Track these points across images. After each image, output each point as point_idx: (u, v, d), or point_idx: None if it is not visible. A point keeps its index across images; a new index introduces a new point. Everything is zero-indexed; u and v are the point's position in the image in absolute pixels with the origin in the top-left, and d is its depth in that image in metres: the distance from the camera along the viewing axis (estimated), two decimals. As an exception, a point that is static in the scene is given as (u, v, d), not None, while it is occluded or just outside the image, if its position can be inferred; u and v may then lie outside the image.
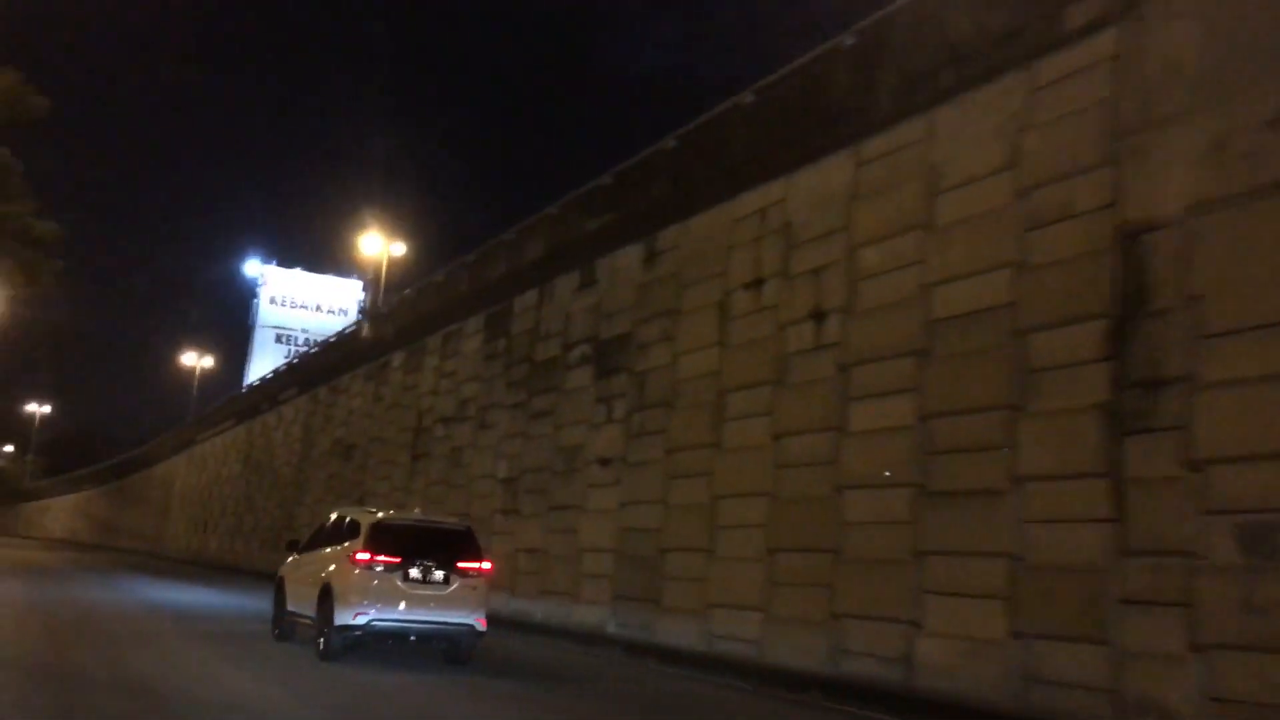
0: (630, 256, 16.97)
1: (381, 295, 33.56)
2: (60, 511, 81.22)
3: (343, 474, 28.58)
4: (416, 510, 18.74)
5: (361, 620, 11.04)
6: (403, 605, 11.19)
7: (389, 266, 37.56)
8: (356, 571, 11.24)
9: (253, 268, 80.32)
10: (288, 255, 79.96)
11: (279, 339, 75.88)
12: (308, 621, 12.06)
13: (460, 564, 11.53)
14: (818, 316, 12.60)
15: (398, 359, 26.38)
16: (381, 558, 11.21)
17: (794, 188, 13.49)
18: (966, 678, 9.67)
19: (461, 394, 22.35)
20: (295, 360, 37.25)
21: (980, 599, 9.71)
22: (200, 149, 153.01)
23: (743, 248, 14.28)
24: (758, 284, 13.82)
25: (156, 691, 8.51)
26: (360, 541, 11.46)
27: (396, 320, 27.00)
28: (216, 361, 64.16)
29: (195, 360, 62.80)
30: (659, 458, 15.20)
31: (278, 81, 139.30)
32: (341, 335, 32.91)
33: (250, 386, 42.00)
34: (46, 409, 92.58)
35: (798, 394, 12.74)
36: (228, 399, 46.01)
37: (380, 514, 12.31)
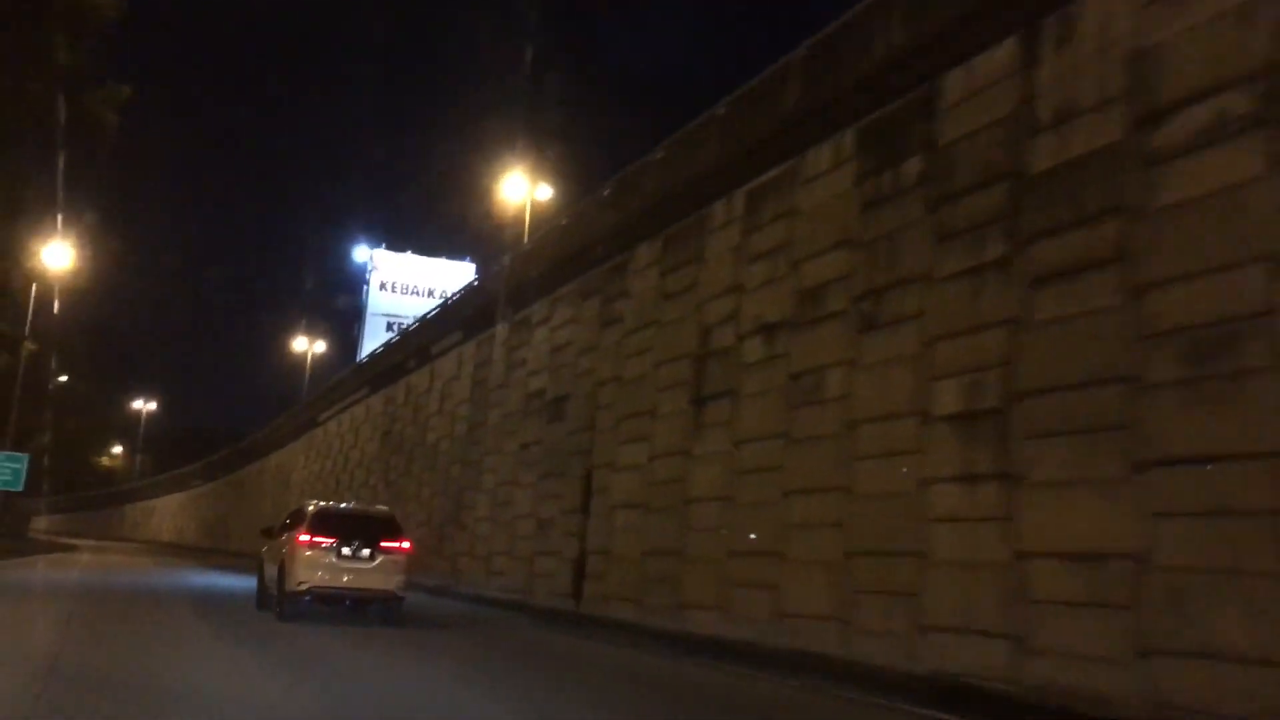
0: None
1: (526, 240, 24.84)
2: (166, 512, 74.38)
3: (550, 441, 19.26)
4: (353, 501, 21.53)
5: (304, 587, 13.56)
6: (337, 576, 13.64)
7: (529, 213, 29.84)
8: (301, 550, 13.67)
9: (361, 253, 77.40)
10: (398, 238, 75.13)
11: (390, 327, 70.32)
12: (274, 591, 14.62)
13: (383, 543, 13.97)
14: None
15: (645, 254, 16.90)
16: (319, 538, 13.70)
17: None
18: None
19: (804, 280, 12.71)
20: (455, 297, 28.09)
21: None
22: (308, 128, 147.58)
23: None
24: None
25: (144, 633, 11.86)
26: (304, 525, 14.07)
27: (636, 197, 17.52)
28: (325, 351, 58.45)
29: (306, 345, 56.43)
30: None
31: (392, 48, 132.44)
32: (528, 246, 23.48)
33: (390, 343, 33.06)
34: (152, 405, 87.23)
35: None
36: (356, 365, 37.35)
37: (323, 504, 15.28)
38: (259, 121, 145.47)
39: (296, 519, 14.86)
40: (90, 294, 44.41)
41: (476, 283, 25.31)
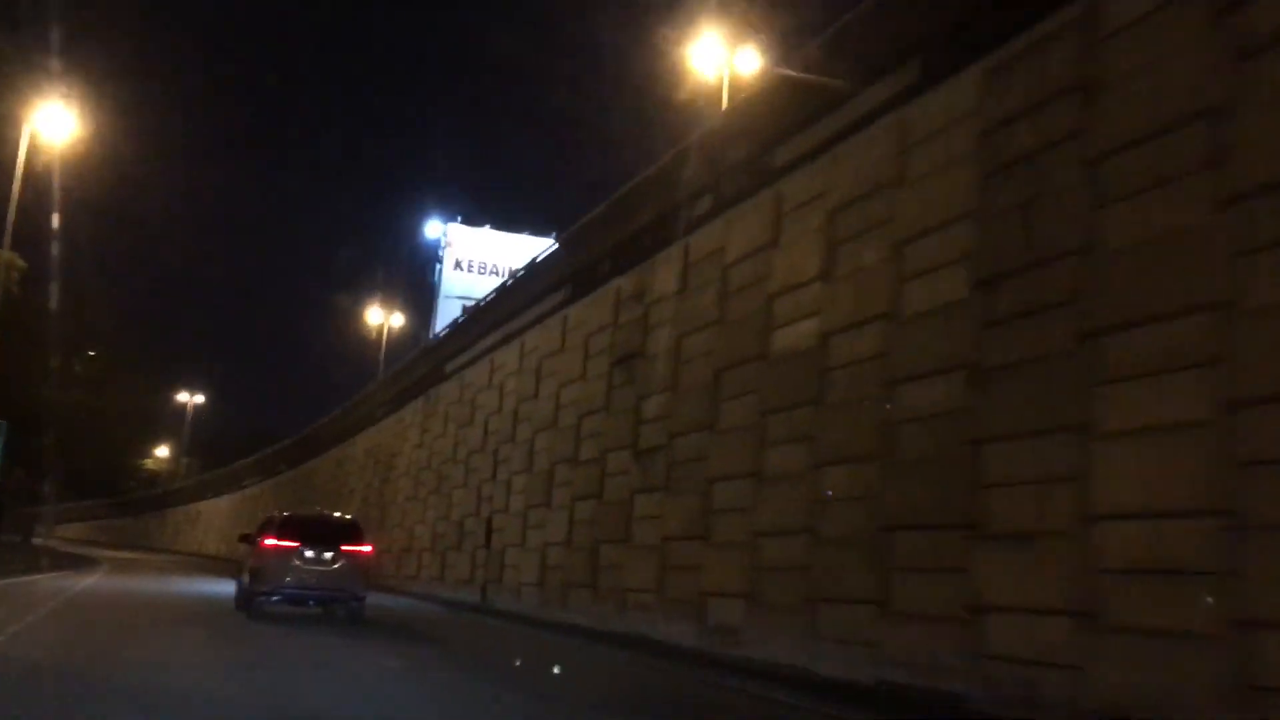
0: None
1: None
2: (214, 518, 60.97)
3: None
4: (318, 508, 24.91)
5: (269, 588, 14.77)
6: (300, 578, 14.68)
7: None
8: (267, 553, 14.78)
9: (434, 229, 66.15)
10: (473, 210, 64.05)
11: (465, 310, 58.61)
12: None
13: (344, 547, 14.92)
14: None
15: None
16: (284, 543, 14.72)
17: None
18: None
19: None
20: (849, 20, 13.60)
21: None
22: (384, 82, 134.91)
23: None
24: None
25: (131, 626, 13.20)
26: (271, 530, 15.20)
27: None
28: (397, 331, 49.77)
29: (382, 318, 48.87)
30: None
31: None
32: None
33: (620, 196, 17.99)
34: (199, 399, 74.63)
35: None
36: (530, 264, 22.93)
37: (288, 512, 17.00)
38: (323, 85, 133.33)
39: (267, 525, 15.80)
40: (126, 269, 31.54)
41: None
